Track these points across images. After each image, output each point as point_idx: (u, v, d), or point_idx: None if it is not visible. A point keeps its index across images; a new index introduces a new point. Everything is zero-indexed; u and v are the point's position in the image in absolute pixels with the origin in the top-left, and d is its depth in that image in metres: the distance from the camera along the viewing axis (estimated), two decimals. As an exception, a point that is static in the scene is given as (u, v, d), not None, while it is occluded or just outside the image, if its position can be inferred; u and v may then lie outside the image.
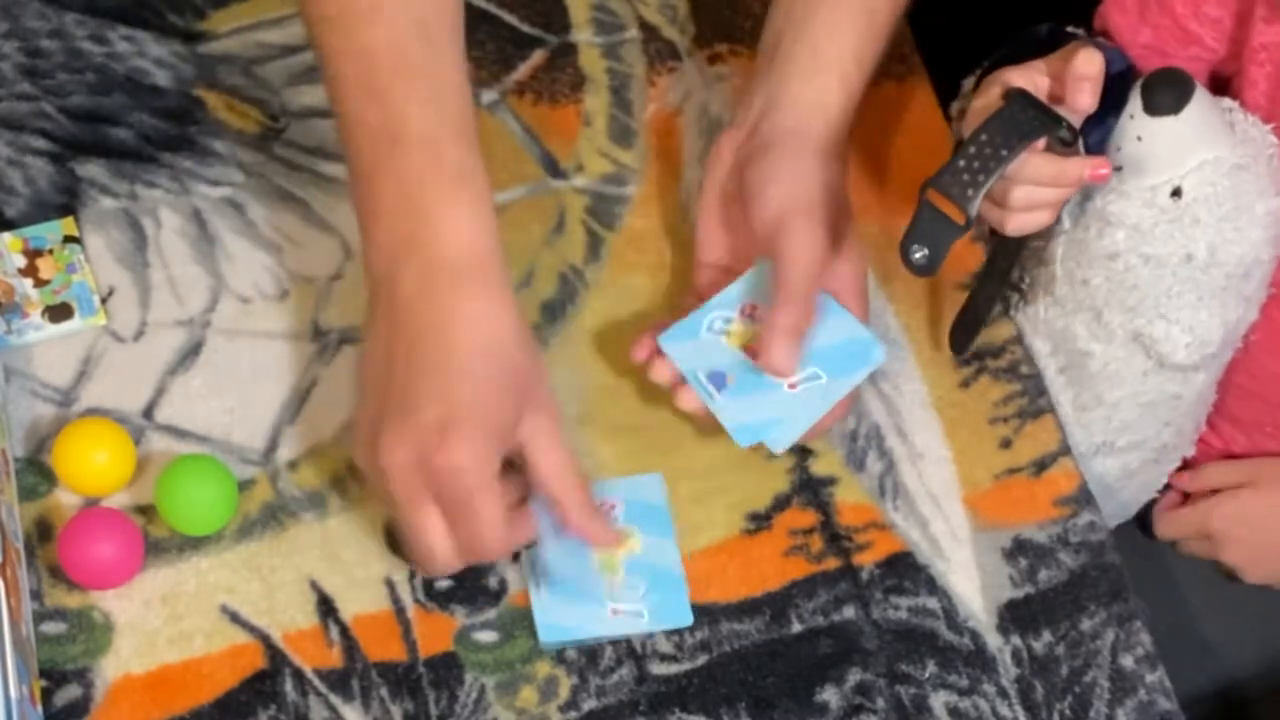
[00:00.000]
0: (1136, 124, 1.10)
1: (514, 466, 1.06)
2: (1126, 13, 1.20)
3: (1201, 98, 1.11)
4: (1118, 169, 1.11)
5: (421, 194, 1.03)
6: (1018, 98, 1.08)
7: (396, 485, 1.02)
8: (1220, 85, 1.20)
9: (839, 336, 1.12)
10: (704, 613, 1.10)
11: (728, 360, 1.12)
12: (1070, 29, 1.18)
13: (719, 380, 1.11)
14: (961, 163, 1.07)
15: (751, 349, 1.11)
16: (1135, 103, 1.10)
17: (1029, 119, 1.07)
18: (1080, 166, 1.08)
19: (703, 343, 1.12)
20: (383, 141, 1.04)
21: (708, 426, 1.13)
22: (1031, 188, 1.10)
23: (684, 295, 1.17)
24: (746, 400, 1.11)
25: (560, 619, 1.09)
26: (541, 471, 1.05)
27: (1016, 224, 1.12)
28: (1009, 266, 1.17)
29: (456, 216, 1.04)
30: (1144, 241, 1.14)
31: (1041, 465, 1.17)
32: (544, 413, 1.05)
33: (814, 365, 1.11)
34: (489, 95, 1.28)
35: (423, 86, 1.05)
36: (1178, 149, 1.11)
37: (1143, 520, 1.35)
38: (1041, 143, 1.08)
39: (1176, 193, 1.11)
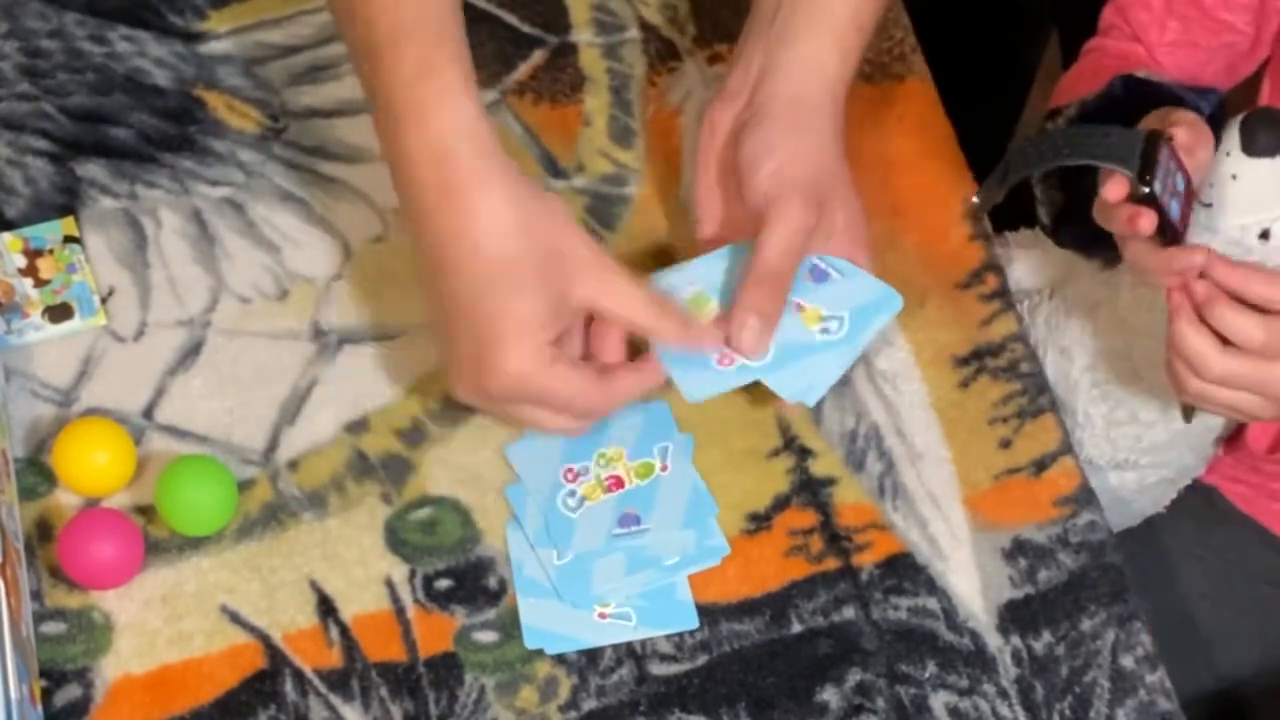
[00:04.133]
0: (1232, 162, 1.09)
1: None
2: (1150, 8, 1.20)
3: None
4: (1207, 205, 1.10)
5: (390, 100, 1.03)
6: (1149, 136, 1.06)
7: (488, 411, 1.09)
8: (1236, 91, 1.20)
9: (856, 290, 1.12)
10: (704, 613, 1.10)
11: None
12: (1143, 75, 1.17)
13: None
14: (1045, 142, 1.07)
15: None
16: (1233, 140, 1.08)
17: (1127, 149, 1.05)
18: (1128, 212, 1.06)
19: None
20: (363, 57, 1.05)
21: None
22: (1136, 245, 1.09)
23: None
24: (783, 359, 1.10)
25: (546, 625, 1.09)
26: (616, 318, 1.06)
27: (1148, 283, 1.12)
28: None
29: (423, 119, 1.02)
30: None
31: (1041, 465, 1.17)
32: (591, 271, 1.04)
33: (835, 312, 1.11)
34: (489, 95, 1.27)
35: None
36: (1271, 191, 1.09)
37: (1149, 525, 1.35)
38: (1121, 184, 1.06)
39: (1265, 235, 1.10)
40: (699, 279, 1.12)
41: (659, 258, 1.21)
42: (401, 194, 1.05)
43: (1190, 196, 1.08)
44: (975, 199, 1.12)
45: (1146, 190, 1.05)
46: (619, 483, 1.13)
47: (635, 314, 1.06)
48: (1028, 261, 1.30)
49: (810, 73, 1.13)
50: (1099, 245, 1.17)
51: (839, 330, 1.11)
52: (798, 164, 1.11)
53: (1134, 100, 1.15)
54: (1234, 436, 1.32)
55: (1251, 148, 1.08)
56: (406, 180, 1.03)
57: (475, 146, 1.02)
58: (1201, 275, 1.06)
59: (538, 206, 1.03)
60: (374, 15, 1.04)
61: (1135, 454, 1.24)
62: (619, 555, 1.10)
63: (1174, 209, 1.06)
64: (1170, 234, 1.06)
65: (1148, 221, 1.06)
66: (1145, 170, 1.05)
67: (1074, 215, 1.20)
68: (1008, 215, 1.29)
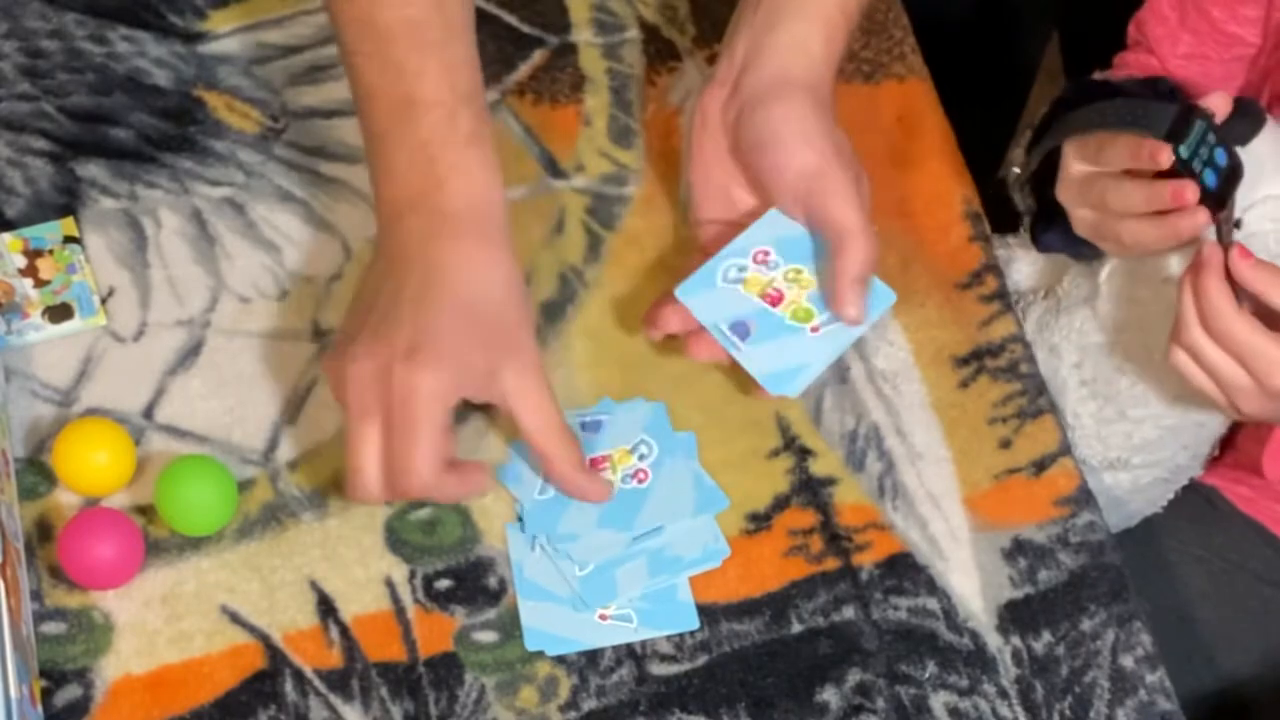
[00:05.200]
0: None
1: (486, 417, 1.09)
2: (1165, 22, 1.20)
3: (1273, 131, 1.10)
4: None
5: (433, 153, 1.07)
6: (1191, 109, 1.06)
7: (353, 393, 1.04)
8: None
9: None
10: (704, 613, 1.10)
11: (747, 309, 1.11)
12: (1098, 79, 1.17)
13: (742, 330, 1.11)
14: (1083, 115, 1.08)
15: (770, 297, 1.11)
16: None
17: (1159, 119, 1.06)
18: (1172, 186, 1.07)
19: (720, 292, 1.12)
20: (399, 106, 1.08)
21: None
22: (1134, 225, 1.09)
23: (690, 256, 1.17)
24: (770, 347, 1.10)
25: (547, 626, 1.09)
26: (525, 425, 1.06)
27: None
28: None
29: (466, 175, 1.07)
30: None
31: (1041, 465, 1.17)
32: (527, 368, 1.06)
33: (825, 307, 1.11)
34: (489, 95, 1.27)
35: (437, 59, 1.09)
36: (1243, 181, 1.09)
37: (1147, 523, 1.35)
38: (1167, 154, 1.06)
39: (1237, 224, 1.10)
40: (748, 251, 1.13)
41: (655, 272, 1.21)
42: (407, 217, 1.07)
43: (1234, 171, 1.07)
44: (1016, 169, 1.13)
45: (1174, 157, 1.05)
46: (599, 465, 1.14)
47: (535, 432, 1.06)
48: (1029, 261, 1.30)
49: (794, 55, 1.13)
50: (1077, 246, 1.17)
51: (829, 324, 1.11)
52: (821, 134, 1.11)
53: (1081, 102, 1.15)
54: (1238, 451, 1.32)
55: (1222, 137, 1.08)
56: (427, 211, 1.07)
57: (498, 217, 1.08)
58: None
59: (519, 294, 1.08)
60: (422, 72, 1.08)
61: (1127, 452, 1.24)
62: (640, 560, 1.10)
63: (1209, 178, 1.06)
64: (1210, 204, 1.06)
65: (1193, 192, 1.06)
66: (1173, 138, 1.05)
67: (1047, 220, 1.20)
68: (1008, 216, 1.29)
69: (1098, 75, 1.20)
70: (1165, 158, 1.06)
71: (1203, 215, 1.07)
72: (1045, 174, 1.17)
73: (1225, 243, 1.07)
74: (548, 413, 1.07)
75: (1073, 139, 1.13)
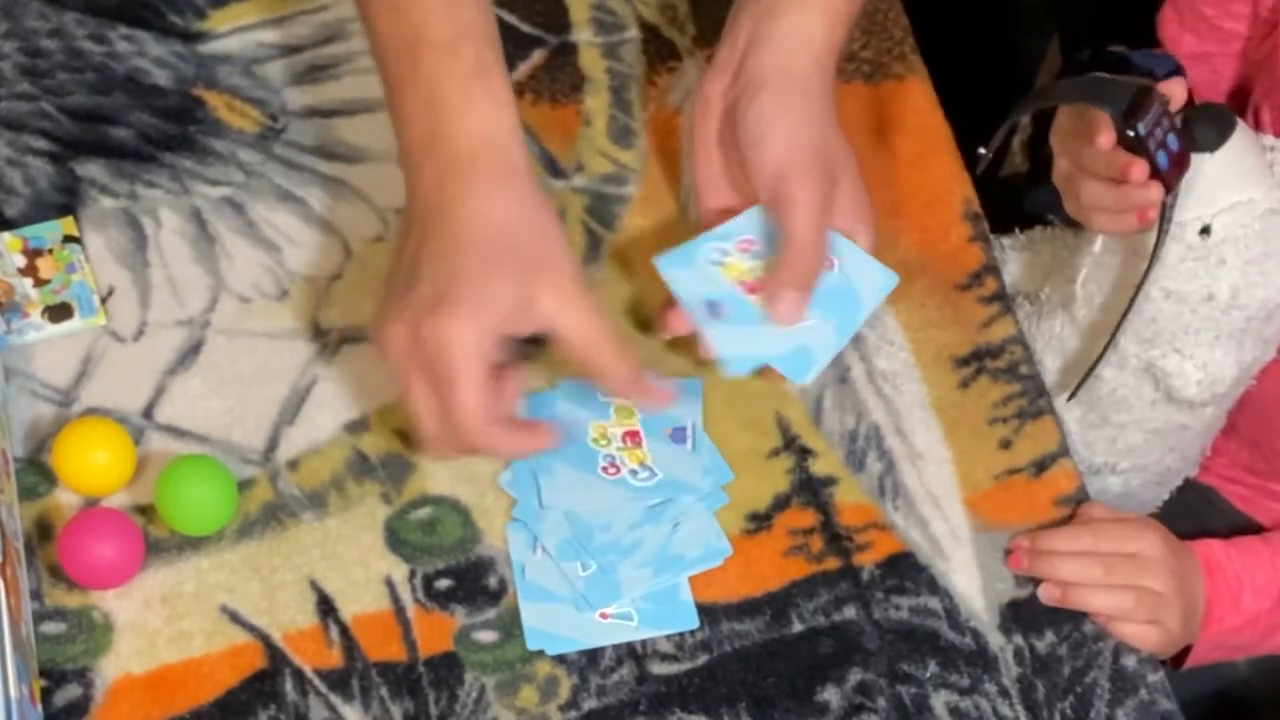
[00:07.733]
0: None
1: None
2: (1169, 24, 1.21)
3: (1243, 136, 1.10)
4: None
5: (439, 93, 1.06)
6: (1143, 87, 1.06)
7: (392, 359, 1.05)
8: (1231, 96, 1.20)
9: (850, 269, 1.12)
10: (704, 612, 1.10)
11: (721, 292, 1.11)
12: (1112, 49, 1.18)
13: (714, 310, 1.11)
14: (1052, 89, 1.09)
15: (747, 284, 1.11)
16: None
17: (1119, 95, 1.06)
18: (1124, 160, 1.07)
19: (699, 271, 1.12)
20: (405, 51, 1.08)
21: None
22: (1095, 186, 1.10)
23: None
24: (739, 332, 1.10)
25: (547, 625, 1.09)
26: (571, 345, 1.05)
27: (1096, 225, 1.13)
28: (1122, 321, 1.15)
29: (471, 111, 1.06)
30: (1167, 276, 1.13)
31: (1041, 465, 1.17)
32: (564, 287, 1.05)
33: (830, 291, 1.11)
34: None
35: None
36: (1211, 187, 1.09)
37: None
38: (1111, 132, 1.07)
39: (1205, 231, 1.10)
40: (733, 238, 1.12)
41: (654, 272, 1.21)
42: (423, 164, 1.06)
43: (1183, 159, 1.08)
44: (982, 150, 1.14)
45: (1131, 134, 1.05)
46: (636, 436, 1.14)
47: (583, 348, 1.05)
48: (1018, 264, 1.30)
49: (797, 43, 1.13)
50: (1059, 208, 1.18)
51: (834, 309, 1.10)
52: (802, 137, 1.11)
53: (1097, 67, 1.16)
54: (1235, 450, 1.32)
55: (1192, 143, 1.08)
56: (438, 154, 1.06)
57: (512, 146, 1.06)
58: None
59: (544, 217, 1.06)
60: (424, 11, 1.07)
61: (1113, 457, 1.24)
62: (645, 561, 1.10)
63: (1161, 159, 1.06)
64: (1163, 183, 1.07)
65: (1140, 170, 1.07)
66: (1131, 115, 1.05)
67: (1039, 179, 1.20)
68: (1001, 218, 1.29)
69: (1114, 48, 1.20)
70: (1105, 140, 1.07)
71: (1155, 190, 1.07)
72: (1041, 135, 1.18)
73: (1164, 228, 1.08)
74: (592, 327, 1.05)
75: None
